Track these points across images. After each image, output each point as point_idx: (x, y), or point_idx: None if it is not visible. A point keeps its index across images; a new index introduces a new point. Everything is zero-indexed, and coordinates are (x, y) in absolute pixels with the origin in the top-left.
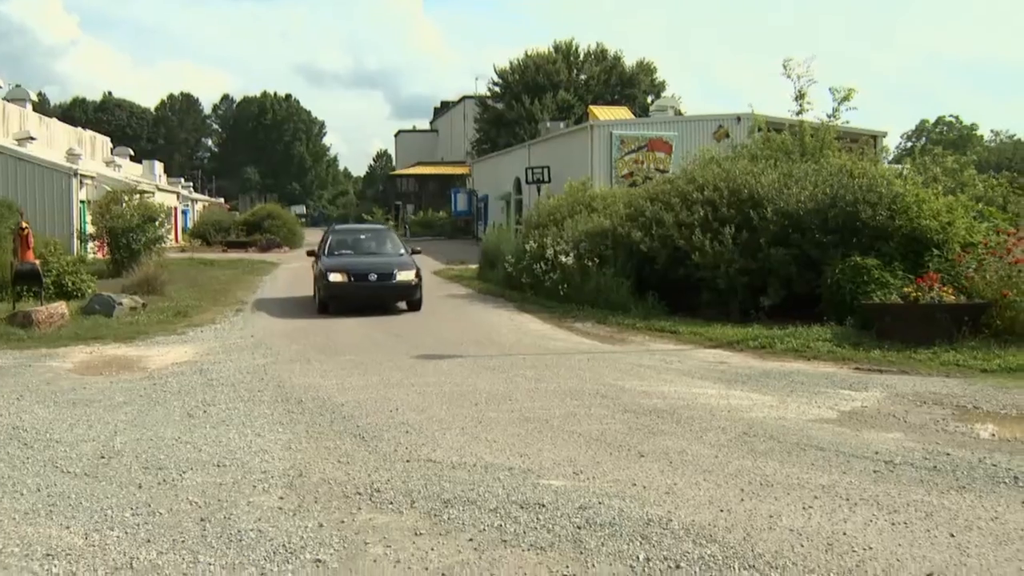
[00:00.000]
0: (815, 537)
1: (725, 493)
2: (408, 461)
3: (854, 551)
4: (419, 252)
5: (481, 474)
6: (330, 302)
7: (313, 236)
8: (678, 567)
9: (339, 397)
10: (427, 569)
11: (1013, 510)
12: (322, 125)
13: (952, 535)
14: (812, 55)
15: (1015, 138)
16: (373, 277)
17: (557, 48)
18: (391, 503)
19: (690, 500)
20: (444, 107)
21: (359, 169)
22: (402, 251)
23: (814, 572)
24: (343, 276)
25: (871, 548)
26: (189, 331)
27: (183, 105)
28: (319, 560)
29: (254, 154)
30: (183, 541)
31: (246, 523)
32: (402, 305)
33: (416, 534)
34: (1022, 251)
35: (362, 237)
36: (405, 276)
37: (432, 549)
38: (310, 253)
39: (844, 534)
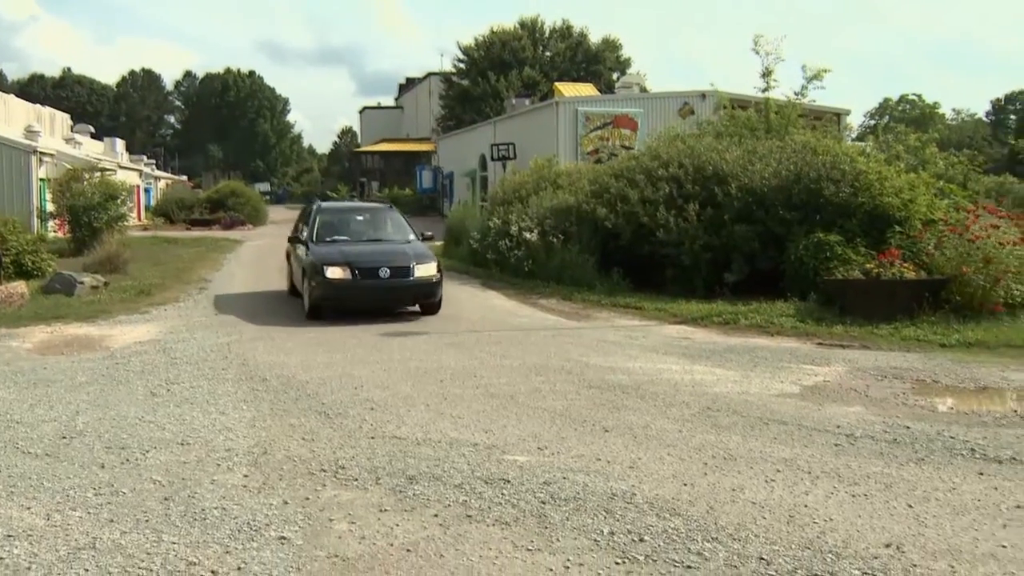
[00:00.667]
0: (777, 509)
1: (688, 467)
2: (373, 438)
3: (815, 523)
4: (431, 237)
5: (446, 450)
6: (325, 305)
7: (278, 214)
8: (642, 540)
9: (303, 375)
10: (392, 545)
11: (970, 481)
12: (286, 102)
13: (910, 506)
14: (783, 34)
15: (975, 117)
16: (385, 272)
17: (522, 24)
18: (356, 480)
19: (654, 474)
20: (409, 84)
21: (324, 146)
22: (411, 236)
23: (776, 543)
24: (344, 271)
25: (831, 519)
26: (152, 310)
27: (144, 82)
28: (283, 537)
29: (217, 131)
30: (147, 520)
31: (210, 501)
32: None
33: (381, 510)
34: (980, 228)
35: (359, 218)
36: (425, 270)
37: (397, 525)
38: (292, 239)
39: (805, 506)
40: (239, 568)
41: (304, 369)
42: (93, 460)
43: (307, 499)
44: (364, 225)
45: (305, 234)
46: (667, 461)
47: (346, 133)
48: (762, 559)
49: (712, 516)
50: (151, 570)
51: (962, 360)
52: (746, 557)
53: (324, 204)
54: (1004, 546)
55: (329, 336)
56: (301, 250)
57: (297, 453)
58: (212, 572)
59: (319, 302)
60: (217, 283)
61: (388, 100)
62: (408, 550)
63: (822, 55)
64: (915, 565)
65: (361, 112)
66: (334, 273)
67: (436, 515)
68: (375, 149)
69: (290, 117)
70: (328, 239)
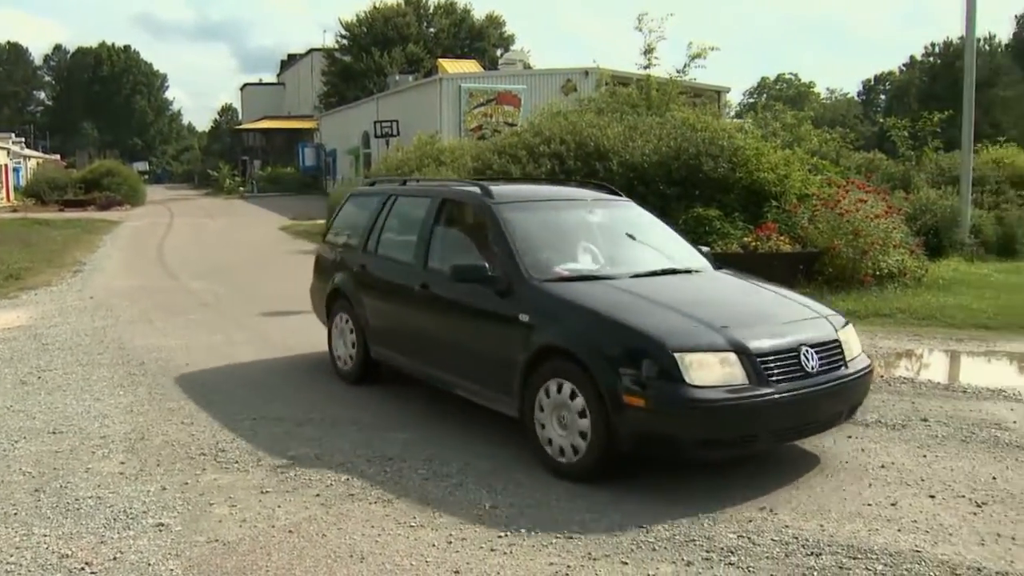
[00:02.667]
0: None
1: None
2: (254, 420)
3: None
4: (710, 254)
5: (328, 429)
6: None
7: (158, 194)
8: (522, 514)
9: (183, 357)
10: (274, 527)
11: (839, 444)
12: (164, 78)
13: (783, 471)
14: (668, 12)
15: (848, 96)
16: (811, 360)
17: (407, 0)
18: (237, 462)
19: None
20: (291, 60)
21: (204, 124)
22: (699, 255)
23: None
24: (728, 365)
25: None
26: (22, 294)
27: (11, 56)
28: (162, 524)
29: (91, 109)
30: (15, 514)
31: (84, 491)
32: None
33: (262, 492)
34: (849, 202)
35: (592, 218)
36: (854, 343)
37: (279, 506)
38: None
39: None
40: (114, 558)
41: (184, 351)
42: None
43: (186, 484)
44: (607, 238)
45: (457, 263)
46: None
47: (227, 110)
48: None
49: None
50: (20, 565)
51: None
52: None
53: (498, 190)
54: (869, 504)
55: (208, 318)
56: (465, 306)
57: (176, 438)
58: (86, 564)
59: (648, 447)
60: (93, 265)
61: (270, 77)
62: (290, 531)
63: (706, 34)
64: (787, 526)
65: (242, 89)
66: (706, 373)
67: (318, 495)
68: (256, 126)
69: (169, 94)
70: (557, 271)
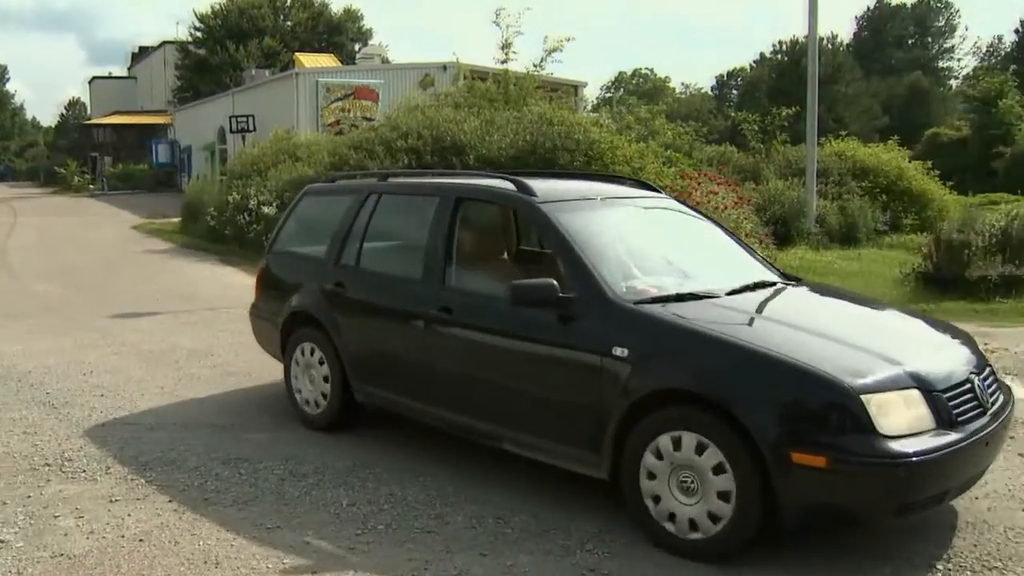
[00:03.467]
0: None
1: None
2: (103, 426)
3: None
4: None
5: (181, 433)
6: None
7: (0, 192)
8: (380, 511)
9: (25, 363)
10: (123, 536)
11: None
12: (5, 70)
13: None
14: (526, 7)
15: (702, 91)
16: (985, 395)
17: None
18: (84, 471)
19: None
20: (143, 53)
21: (50, 118)
22: (765, 266)
23: None
24: (916, 407)
25: None
26: None
27: None
28: (1, 541)
29: None
30: None
31: None
32: None
33: (111, 501)
34: (701, 194)
35: (637, 217)
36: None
37: (129, 515)
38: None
39: None
40: None
41: (26, 357)
42: None
43: (29, 497)
44: (668, 243)
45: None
46: None
47: (74, 104)
48: None
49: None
50: None
51: None
52: None
53: (540, 187)
54: None
55: (54, 322)
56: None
57: (17, 449)
58: None
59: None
60: None
61: (120, 70)
62: (140, 540)
63: (564, 29)
64: None
65: (91, 82)
66: (895, 418)
67: (170, 501)
68: (107, 122)
69: (9, 86)
70: (643, 288)
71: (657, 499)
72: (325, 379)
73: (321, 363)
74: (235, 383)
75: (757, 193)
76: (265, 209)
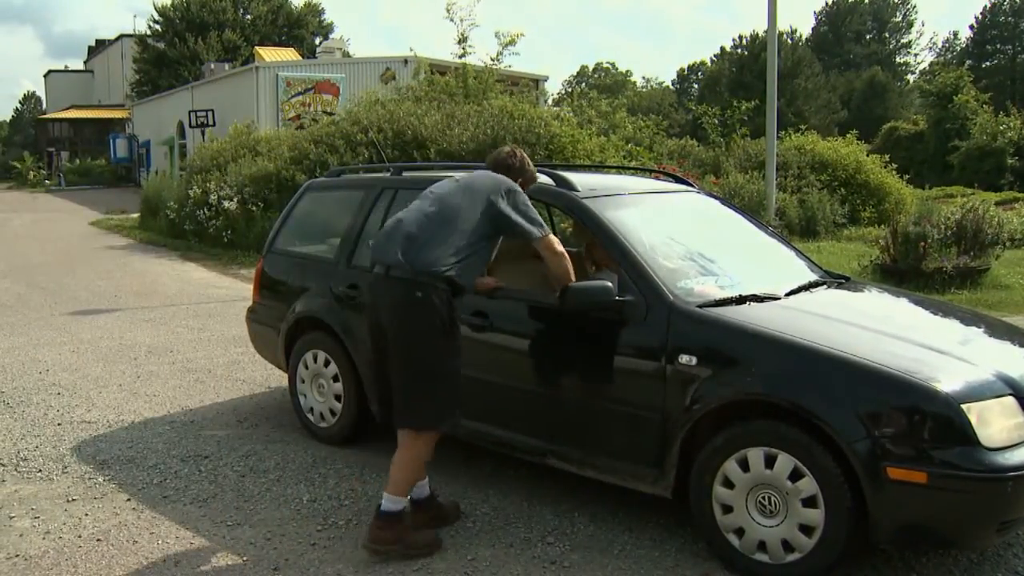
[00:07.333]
0: None
1: None
2: (60, 424)
3: None
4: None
5: (140, 431)
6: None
7: None
8: (342, 506)
9: None
10: (80, 536)
11: None
12: None
13: None
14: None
15: (663, 85)
16: None
17: None
18: (40, 471)
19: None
20: (100, 46)
21: (4, 113)
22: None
23: None
24: (1011, 418)
25: None
26: None
27: None
28: None
29: None
30: None
31: None
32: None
33: (69, 500)
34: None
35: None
36: None
37: (86, 514)
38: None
39: None
40: None
41: None
42: None
43: None
44: (712, 240)
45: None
46: None
47: (30, 98)
48: None
49: None
50: None
51: None
52: None
53: (580, 180)
54: None
55: (10, 319)
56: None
57: None
58: None
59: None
60: None
61: (77, 63)
62: (98, 540)
63: (527, 21)
64: None
65: (47, 76)
66: (995, 429)
67: (129, 499)
68: (63, 116)
69: None
70: (702, 290)
71: (739, 529)
72: (337, 395)
73: (331, 371)
74: (195, 380)
75: (718, 187)
76: (226, 204)
